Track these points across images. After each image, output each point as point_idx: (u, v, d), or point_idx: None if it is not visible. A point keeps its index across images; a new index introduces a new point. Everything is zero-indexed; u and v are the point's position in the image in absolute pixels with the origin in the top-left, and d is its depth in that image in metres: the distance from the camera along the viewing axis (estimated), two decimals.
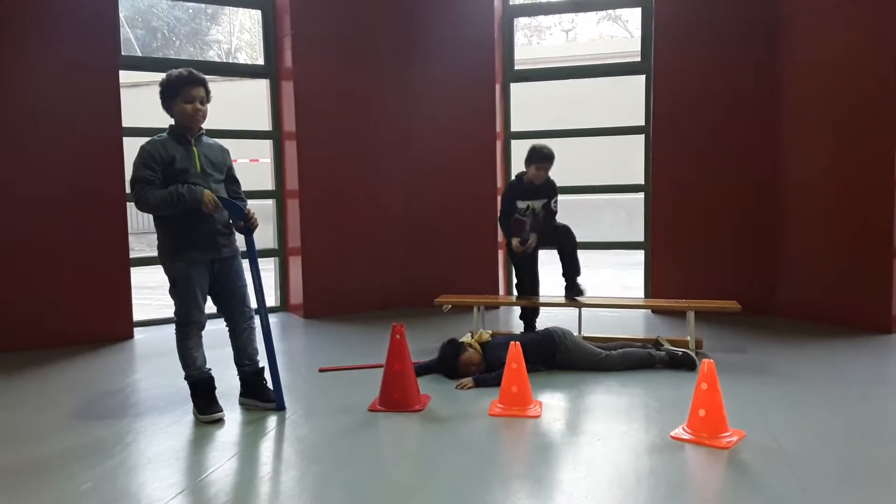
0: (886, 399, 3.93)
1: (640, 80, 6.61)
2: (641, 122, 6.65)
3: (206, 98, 3.71)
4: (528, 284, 5.51)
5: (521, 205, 5.25)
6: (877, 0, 5.28)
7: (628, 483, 2.87)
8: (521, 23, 24.16)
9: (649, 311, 6.32)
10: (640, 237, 6.76)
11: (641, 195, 6.73)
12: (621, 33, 24.91)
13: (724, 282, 5.93)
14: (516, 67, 7.01)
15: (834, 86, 5.53)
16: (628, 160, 8.47)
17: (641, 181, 6.70)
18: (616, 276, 8.95)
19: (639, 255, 6.84)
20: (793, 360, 4.68)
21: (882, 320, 5.29)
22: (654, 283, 6.48)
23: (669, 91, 6.27)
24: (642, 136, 6.66)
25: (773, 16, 5.90)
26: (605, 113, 9.34)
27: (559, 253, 5.26)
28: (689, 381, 4.03)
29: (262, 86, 6.79)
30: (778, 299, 5.98)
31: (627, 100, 8.16)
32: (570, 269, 5.24)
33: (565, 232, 5.23)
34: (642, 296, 6.65)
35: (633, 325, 5.87)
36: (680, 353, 4.52)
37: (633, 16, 22.24)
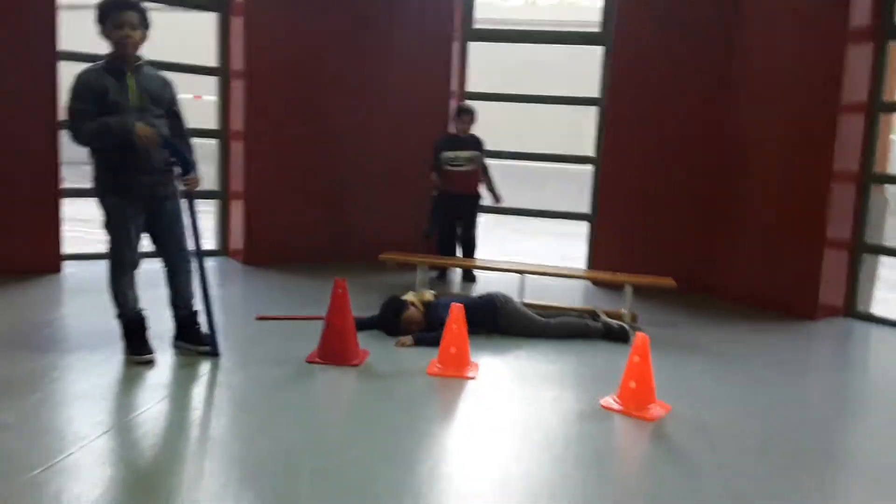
0: (806, 383, 4.14)
1: (598, 51, 6.61)
2: (596, 94, 6.67)
3: (141, 25, 3.48)
4: (464, 241, 6.10)
5: (450, 154, 5.99)
6: None
7: (557, 447, 2.94)
8: None
9: (589, 282, 6.44)
10: (585, 209, 6.84)
11: (590, 167, 6.79)
12: (583, 1, 24.79)
13: (665, 259, 6.07)
14: (475, 26, 6.91)
15: (785, 75, 5.65)
16: (580, 131, 8.52)
17: (592, 153, 6.75)
18: (557, 246, 9.08)
19: (581, 227, 6.93)
20: (722, 339, 4.86)
21: (808, 307, 5.54)
22: (596, 256, 6.60)
23: (627, 64, 6.29)
24: (595, 109, 6.69)
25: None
26: (561, 81, 9.34)
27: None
28: (621, 353, 4.13)
29: (211, 19, 6.50)
30: (715, 279, 6.18)
31: (583, 70, 8.17)
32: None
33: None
34: (584, 266, 6.77)
35: (572, 295, 5.98)
36: (615, 326, 4.64)
37: None
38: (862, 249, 5.65)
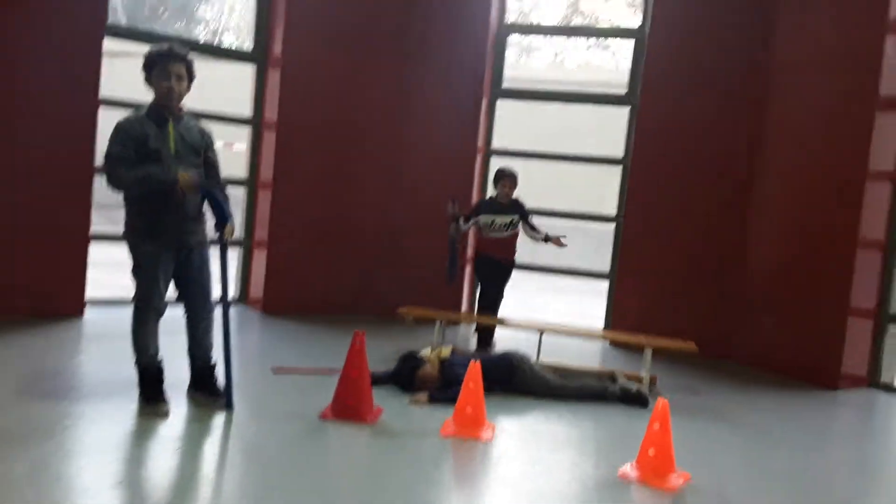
0: (829, 455, 4.01)
1: (622, 112, 6.68)
2: (620, 154, 6.71)
3: (187, 76, 3.58)
4: (489, 302, 5.55)
5: (487, 219, 5.66)
6: (858, 55, 5.42)
7: None
8: (511, 41, 24.28)
9: (608, 342, 6.35)
10: (605, 267, 6.81)
11: (611, 226, 6.79)
12: (607, 63, 25.22)
13: (684, 320, 5.99)
14: (504, 85, 7.03)
15: (815, 134, 5.63)
16: (603, 190, 8.55)
17: (614, 212, 6.75)
18: (577, 303, 9.02)
19: (600, 285, 6.89)
20: (743, 406, 4.75)
21: (831, 376, 5.40)
22: (615, 314, 6.53)
23: (652, 126, 6.34)
24: (619, 168, 6.72)
25: (764, 60, 5.98)
26: (585, 141, 9.42)
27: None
28: (640, 418, 4.04)
29: (246, 70, 6.68)
30: (735, 344, 6.07)
31: (607, 130, 8.24)
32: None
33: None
34: (602, 326, 6.69)
35: (590, 355, 5.90)
36: (634, 390, 4.55)
37: (621, 47, 22.51)
38: (886, 319, 5.54)
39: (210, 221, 3.73)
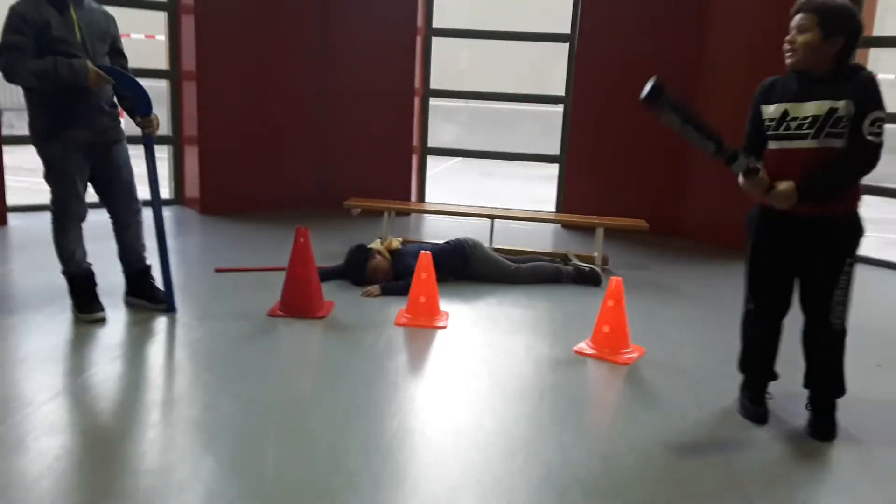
0: None
1: None
2: (567, 30, 6.43)
3: None
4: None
5: (771, 110, 2.62)
6: None
7: (531, 396, 2.86)
8: None
9: (559, 225, 6.33)
10: (554, 150, 6.69)
11: (560, 108, 6.61)
12: None
13: (635, 200, 5.98)
14: None
15: (754, 20, 5.48)
16: (550, 72, 8.30)
17: (562, 93, 6.55)
18: (527, 188, 8.94)
19: (551, 169, 6.79)
20: (692, 280, 4.81)
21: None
22: (567, 198, 6.47)
23: (599, 3, 6.05)
24: (566, 46, 6.46)
25: None
26: (531, 23, 9.05)
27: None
28: (594, 297, 4.05)
29: None
30: (684, 220, 6.11)
31: (554, 9, 7.90)
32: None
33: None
34: (553, 209, 6.65)
35: (543, 239, 5.87)
36: (587, 269, 4.54)
37: None
38: None
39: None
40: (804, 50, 2.44)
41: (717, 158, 2.54)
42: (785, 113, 2.51)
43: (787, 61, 2.50)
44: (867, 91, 2.38)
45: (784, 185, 2.45)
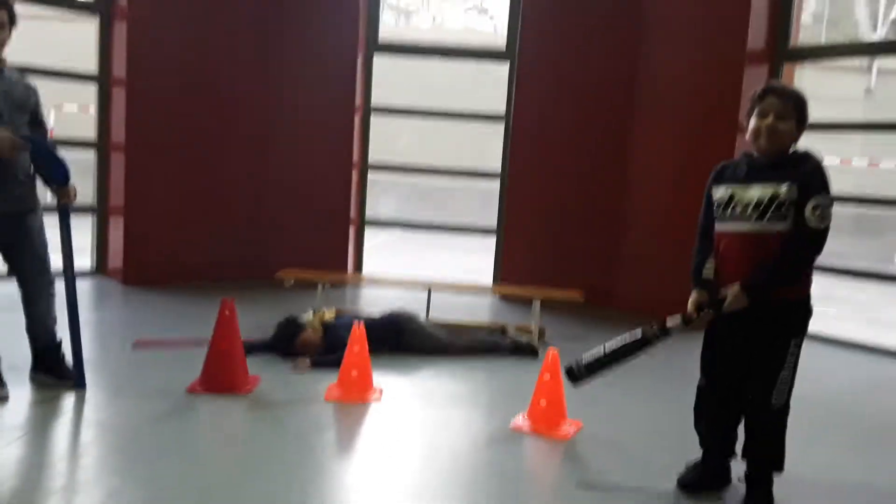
0: None
1: (504, 69, 6.55)
2: (502, 110, 6.60)
3: (8, 22, 3.11)
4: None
5: (720, 193, 2.65)
6: (724, 7, 5.54)
7: (465, 477, 2.73)
8: (388, 2, 23.72)
9: (497, 296, 6.30)
10: (491, 223, 6.74)
11: (496, 183, 6.70)
12: (487, 28, 25.21)
13: (569, 271, 6.02)
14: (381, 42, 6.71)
15: (684, 94, 5.74)
16: (486, 149, 8.47)
17: (498, 168, 6.66)
18: (468, 261, 8.95)
19: (487, 241, 6.81)
20: None
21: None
22: (504, 269, 6.48)
23: (532, 80, 6.25)
24: (502, 126, 6.61)
25: (637, 15, 6.00)
26: (468, 98, 9.29)
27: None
28: (531, 370, 3.96)
29: (89, 24, 6.01)
30: (620, 291, 6.18)
31: (489, 91, 8.14)
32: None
33: None
34: (490, 281, 6.64)
35: (480, 310, 5.81)
36: (524, 341, 4.49)
37: (501, 9, 22.54)
38: None
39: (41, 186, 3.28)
40: (784, 137, 2.47)
41: (661, 341, 2.78)
42: (731, 196, 2.55)
43: (762, 144, 2.50)
44: (812, 176, 2.42)
45: (731, 295, 2.48)
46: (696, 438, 3.10)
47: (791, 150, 2.51)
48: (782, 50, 5.64)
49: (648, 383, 4.09)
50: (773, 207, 2.43)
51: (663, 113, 5.90)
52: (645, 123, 6.01)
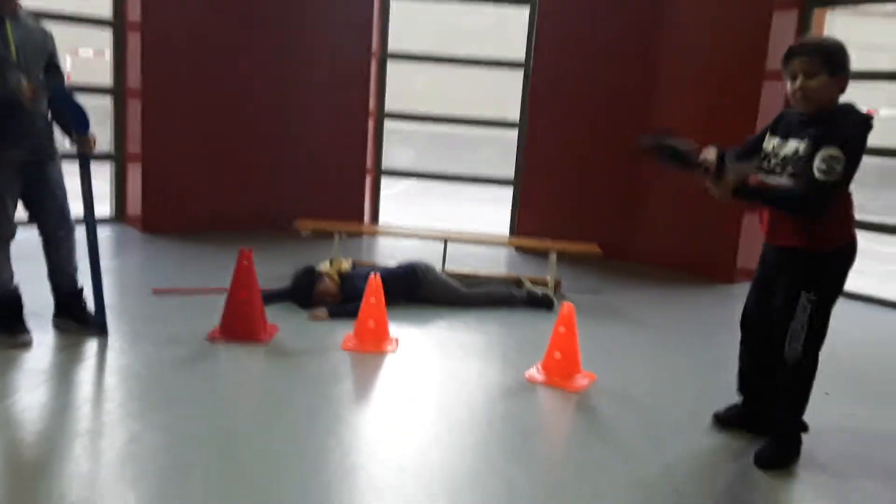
0: (728, 348, 4.09)
1: (524, 14, 6.38)
2: (522, 57, 6.46)
3: None
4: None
5: (767, 142, 2.62)
6: None
7: (480, 427, 2.76)
8: None
9: (513, 248, 6.29)
10: (509, 174, 6.67)
11: (515, 132, 6.61)
12: None
13: (588, 224, 5.98)
14: None
15: (708, 38, 5.57)
16: (507, 97, 8.33)
17: (517, 118, 6.55)
18: (484, 212, 8.91)
19: (505, 192, 6.76)
20: (646, 305, 4.80)
21: (727, 271, 5.56)
22: (520, 222, 6.45)
23: (552, 26, 6.09)
24: (521, 72, 6.48)
25: None
26: (487, 48, 9.10)
27: None
28: (546, 321, 3.98)
29: None
30: (636, 245, 6.13)
31: (509, 37, 7.95)
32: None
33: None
34: (507, 233, 6.62)
35: (496, 262, 5.81)
36: (539, 294, 4.49)
37: None
38: None
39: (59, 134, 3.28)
40: (820, 93, 2.40)
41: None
42: (772, 149, 2.54)
43: (802, 107, 2.45)
44: (832, 130, 2.35)
45: (724, 181, 2.54)
46: (713, 392, 3.14)
47: (835, 104, 2.43)
48: None
49: (665, 338, 4.10)
50: (794, 163, 2.42)
51: (688, 63, 5.74)
52: (669, 74, 5.86)
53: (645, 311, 4.66)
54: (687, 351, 3.89)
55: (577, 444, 2.74)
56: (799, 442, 2.63)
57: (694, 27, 5.68)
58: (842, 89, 2.44)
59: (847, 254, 2.52)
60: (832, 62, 2.40)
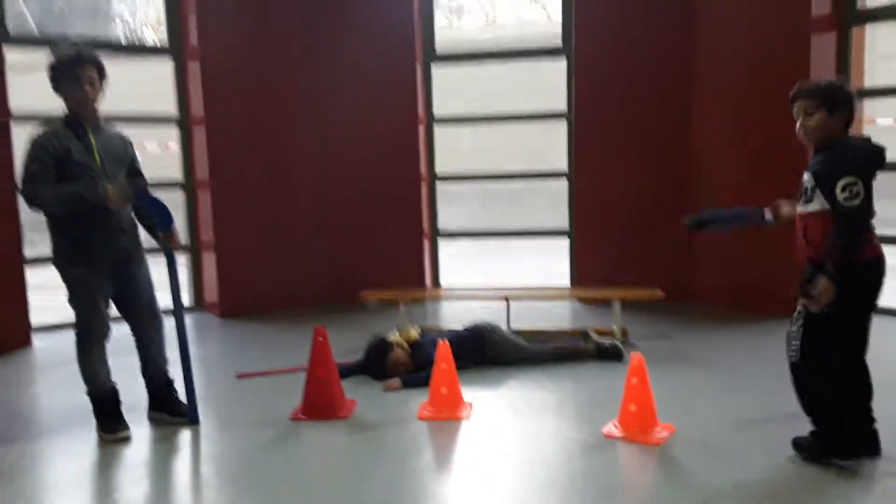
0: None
1: (562, 65, 6.55)
2: (564, 108, 6.59)
3: (99, 79, 3.33)
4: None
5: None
6: None
7: (561, 486, 2.80)
8: (440, 2, 23.88)
9: (575, 300, 6.31)
10: (561, 224, 6.73)
11: (562, 181, 6.69)
12: (541, 18, 25.04)
13: (647, 267, 5.97)
14: (437, 50, 6.82)
15: (747, 72, 5.60)
16: (549, 147, 8.46)
17: (564, 168, 6.65)
18: (539, 264, 8.97)
19: (560, 241, 6.82)
20: (715, 347, 4.75)
21: (789, 305, 5.43)
22: (579, 270, 6.48)
23: (590, 74, 6.21)
24: (564, 123, 6.61)
25: None
26: (528, 99, 9.29)
27: None
28: (617, 373, 4.00)
29: (167, 67, 6.35)
30: (696, 283, 6.08)
31: (548, 89, 8.12)
32: None
33: None
34: (567, 283, 6.65)
35: (560, 315, 5.85)
36: (608, 345, 4.51)
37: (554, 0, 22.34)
38: None
39: (144, 233, 3.53)
40: (818, 131, 2.76)
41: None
42: (803, 182, 2.85)
43: (806, 143, 2.83)
44: (828, 163, 2.70)
45: (822, 283, 2.71)
46: (792, 425, 3.10)
47: (836, 139, 2.75)
48: (850, 13, 5.43)
49: (736, 379, 4.06)
50: (806, 193, 2.78)
51: (726, 94, 5.77)
52: (708, 107, 5.90)
53: (714, 352, 4.62)
54: (759, 391, 3.83)
55: (662, 498, 2.74)
56: (840, 445, 2.81)
57: (731, 63, 5.73)
58: (847, 124, 2.76)
59: (873, 268, 2.78)
60: (831, 101, 2.73)
